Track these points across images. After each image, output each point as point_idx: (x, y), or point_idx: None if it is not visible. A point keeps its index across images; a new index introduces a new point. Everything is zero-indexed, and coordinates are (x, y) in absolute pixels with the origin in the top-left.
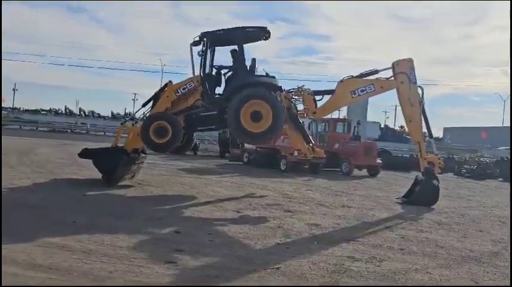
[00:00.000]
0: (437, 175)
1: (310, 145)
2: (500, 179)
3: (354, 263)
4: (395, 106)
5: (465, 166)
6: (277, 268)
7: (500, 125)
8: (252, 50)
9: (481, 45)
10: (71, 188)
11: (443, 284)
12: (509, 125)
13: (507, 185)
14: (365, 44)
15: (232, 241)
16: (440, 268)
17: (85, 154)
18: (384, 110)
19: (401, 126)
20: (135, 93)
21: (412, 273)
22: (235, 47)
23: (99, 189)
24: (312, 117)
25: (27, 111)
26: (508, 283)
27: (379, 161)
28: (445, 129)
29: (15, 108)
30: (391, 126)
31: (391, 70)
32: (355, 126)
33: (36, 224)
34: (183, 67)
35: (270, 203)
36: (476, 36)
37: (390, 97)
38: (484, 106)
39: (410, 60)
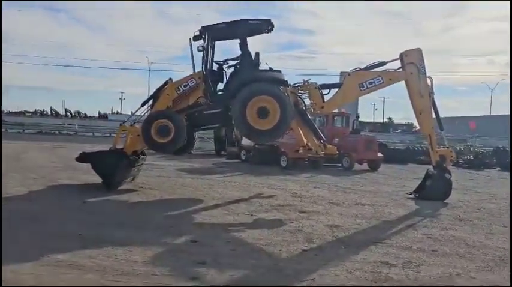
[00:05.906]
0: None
1: (321, 141)
2: (498, 168)
3: (391, 269)
4: (383, 98)
5: (462, 157)
6: (312, 279)
7: (488, 114)
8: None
9: (463, 36)
10: (69, 195)
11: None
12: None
13: (507, 174)
14: (348, 38)
15: (254, 249)
16: (483, 271)
17: (83, 157)
18: (373, 103)
19: (390, 118)
20: (121, 93)
21: (455, 279)
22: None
23: (100, 195)
24: (319, 112)
25: (10, 113)
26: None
27: (380, 154)
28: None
29: None
30: (379, 118)
31: (397, 61)
32: (354, 120)
33: (39, 239)
34: (172, 64)
35: (281, 203)
36: (457, 27)
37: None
38: (472, 96)
39: (419, 51)
